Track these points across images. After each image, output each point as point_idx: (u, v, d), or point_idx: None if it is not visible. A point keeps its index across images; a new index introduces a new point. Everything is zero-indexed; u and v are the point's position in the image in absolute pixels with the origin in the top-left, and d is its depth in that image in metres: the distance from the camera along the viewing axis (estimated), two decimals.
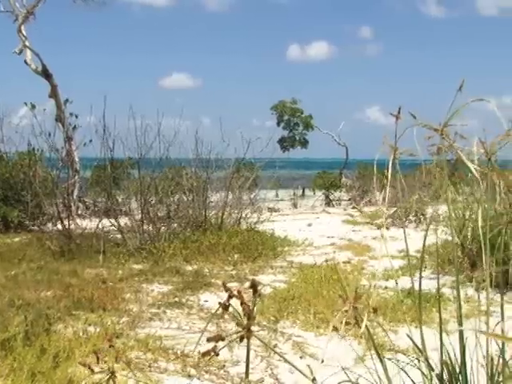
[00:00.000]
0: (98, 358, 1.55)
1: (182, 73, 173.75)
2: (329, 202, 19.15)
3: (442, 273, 6.19)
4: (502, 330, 1.89)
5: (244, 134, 10.01)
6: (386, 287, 5.92)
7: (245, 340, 1.52)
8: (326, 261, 7.40)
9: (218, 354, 1.51)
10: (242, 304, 1.49)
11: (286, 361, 1.79)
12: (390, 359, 2.02)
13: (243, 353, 3.98)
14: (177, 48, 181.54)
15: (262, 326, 4.70)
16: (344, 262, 7.41)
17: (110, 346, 1.54)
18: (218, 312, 1.52)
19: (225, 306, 1.53)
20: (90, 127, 9.71)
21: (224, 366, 3.82)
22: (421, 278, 2.17)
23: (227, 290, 1.52)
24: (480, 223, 1.85)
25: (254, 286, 1.48)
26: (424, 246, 2.10)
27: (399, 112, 1.76)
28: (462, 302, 5.33)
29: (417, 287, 2.49)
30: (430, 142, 1.94)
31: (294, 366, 1.64)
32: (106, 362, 1.55)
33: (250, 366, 3.79)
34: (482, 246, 1.90)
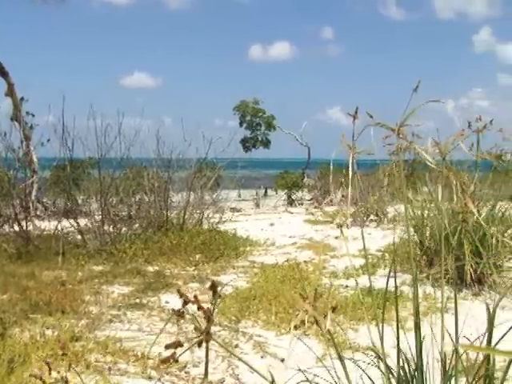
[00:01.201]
0: (49, 368, 1.51)
1: (144, 72, 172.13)
2: (291, 202, 19.24)
3: (402, 271, 6.29)
4: (456, 325, 1.93)
5: (206, 134, 9.98)
6: (346, 286, 5.99)
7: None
8: (288, 260, 7.44)
9: (177, 361, 1.49)
10: (198, 309, 1.47)
11: (242, 361, 1.78)
12: (349, 358, 2.03)
13: (204, 354, 3.97)
14: (138, 46, 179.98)
15: (223, 326, 4.69)
16: (305, 262, 7.46)
17: (63, 354, 1.51)
18: (175, 316, 1.50)
19: (179, 314, 1.50)
20: (49, 126, 9.52)
21: (185, 367, 3.80)
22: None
23: (182, 295, 1.50)
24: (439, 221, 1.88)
25: (213, 287, 1.47)
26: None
27: (356, 112, 1.78)
28: (420, 299, 5.45)
29: (376, 286, 2.54)
30: (387, 142, 1.97)
31: (250, 366, 1.64)
32: (59, 372, 1.51)
33: (211, 366, 3.79)
34: (442, 241, 1.94)
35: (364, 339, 4.01)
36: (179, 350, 1.40)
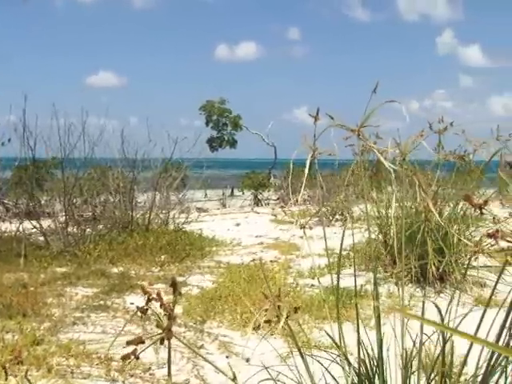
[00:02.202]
0: (6, 373, 1.49)
1: (109, 71, 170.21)
2: (257, 202, 19.28)
3: (367, 270, 6.36)
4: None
5: (172, 134, 9.94)
6: (312, 285, 6.03)
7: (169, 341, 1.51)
8: (254, 260, 7.46)
9: (138, 358, 1.49)
10: (161, 306, 1.48)
11: (206, 360, 1.79)
12: (310, 355, 2.05)
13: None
14: (102, 45, 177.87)
15: (188, 327, 4.67)
16: (271, 261, 7.48)
17: (17, 363, 1.49)
18: (138, 314, 1.51)
19: (143, 310, 1.51)
20: (10, 126, 9.31)
21: (150, 368, 3.77)
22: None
23: (146, 292, 1.50)
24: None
25: (173, 284, 1.47)
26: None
27: (317, 113, 1.80)
28: (385, 298, 5.53)
29: (341, 284, 2.56)
30: (348, 143, 1.99)
31: (214, 365, 1.64)
32: (16, 376, 1.49)
33: (176, 368, 3.77)
34: (396, 241, 1.97)
35: (329, 338, 4.04)
36: (145, 349, 1.39)
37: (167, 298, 1.42)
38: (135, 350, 1.46)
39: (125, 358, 1.47)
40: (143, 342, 1.47)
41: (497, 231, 1.10)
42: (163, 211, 9.74)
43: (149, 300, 1.48)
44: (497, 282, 1.65)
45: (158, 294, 1.47)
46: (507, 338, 1.45)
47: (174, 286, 1.44)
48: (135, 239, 8.11)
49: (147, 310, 1.50)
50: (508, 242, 0.96)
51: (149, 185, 10.00)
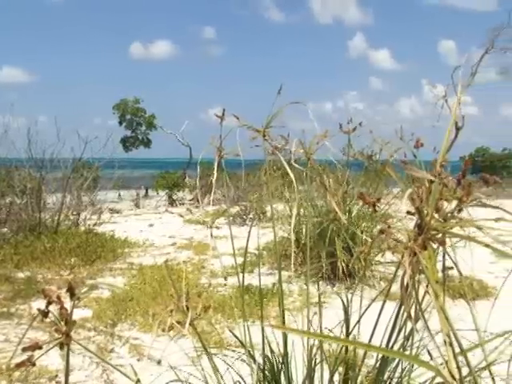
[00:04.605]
0: None
1: (17, 67, 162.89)
2: (172, 202, 19.09)
3: (278, 268, 6.45)
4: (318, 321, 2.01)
5: (86, 134, 9.70)
6: (225, 285, 6.05)
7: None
8: (167, 261, 7.39)
9: (34, 364, 1.43)
10: (60, 309, 1.43)
11: (110, 364, 1.75)
12: (215, 354, 2.06)
13: (78, 360, 3.83)
14: (8, 39, 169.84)
15: (98, 330, 4.55)
16: (184, 262, 7.44)
17: None
18: (44, 320, 1.45)
19: (44, 313, 1.46)
20: None
21: (56, 376, 3.63)
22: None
23: (46, 295, 1.46)
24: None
25: (70, 288, 1.43)
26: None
27: (223, 114, 1.81)
28: (297, 295, 5.63)
29: (254, 283, 2.59)
30: (255, 143, 2.01)
31: (118, 369, 1.60)
32: None
33: (85, 373, 3.67)
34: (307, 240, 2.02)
35: (240, 337, 4.07)
36: (40, 356, 1.34)
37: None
38: (32, 356, 1.40)
39: (19, 365, 1.41)
40: (41, 348, 1.42)
41: (388, 228, 1.15)
42: (74, 212, 9.45)
43: (49, 303, 1.44)
44: (394, 276, 1.72)
45: (58, 297, 1.43)
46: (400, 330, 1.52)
47: (71, 289, 1.40)
48: (43, 242, 7.81)
49: (48, 312, 1.45)
50: (395, 240, 1.01)
51: (58, 185, 9.66)
